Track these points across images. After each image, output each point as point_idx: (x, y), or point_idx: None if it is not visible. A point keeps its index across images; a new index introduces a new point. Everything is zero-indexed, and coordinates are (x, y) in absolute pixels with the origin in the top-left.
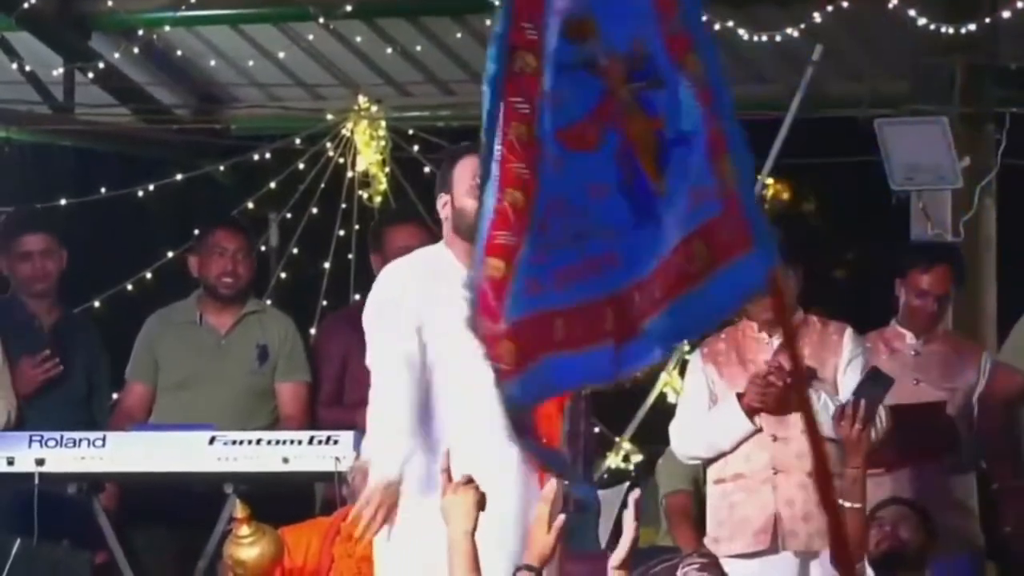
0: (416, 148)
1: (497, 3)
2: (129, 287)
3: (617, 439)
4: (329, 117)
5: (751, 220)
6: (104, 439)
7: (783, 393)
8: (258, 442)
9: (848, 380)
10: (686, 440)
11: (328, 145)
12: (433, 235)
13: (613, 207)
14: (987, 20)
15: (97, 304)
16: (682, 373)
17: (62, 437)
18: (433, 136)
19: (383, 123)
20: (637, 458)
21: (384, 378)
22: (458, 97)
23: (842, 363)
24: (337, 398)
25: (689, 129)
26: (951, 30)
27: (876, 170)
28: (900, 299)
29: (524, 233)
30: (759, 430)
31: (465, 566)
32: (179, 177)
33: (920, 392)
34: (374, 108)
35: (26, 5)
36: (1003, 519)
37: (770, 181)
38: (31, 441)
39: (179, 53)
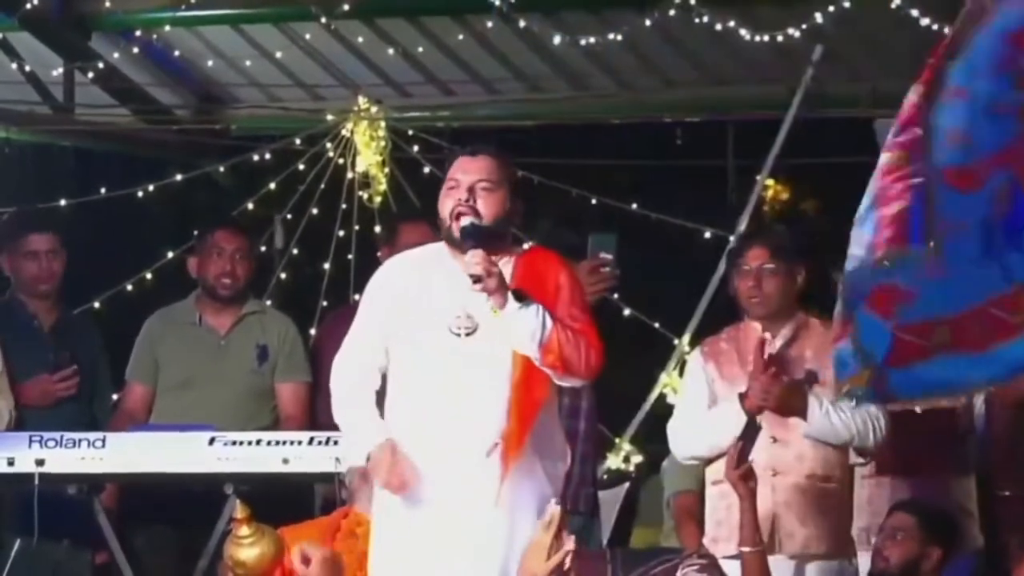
0: (416, 149)
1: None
2: (129, 287)
3: (617, 440)
4: (329, 117)
5: None
6: (104, 440)
7: (785, 393)
8: (258, 443)
9: None
10: (685, 439)
11: (328, 145)
12: None
13: (963, 240)
14: None
15: (97, 304)
16: (682, 373)
17: (62, 438)
18: (433, 137)
19: (383, 124)
20: (637, 459)
21: (342, 362)
22: (458, 98)
23: None
24: None
25: None
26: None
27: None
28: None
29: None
30: (759, 429)
31: None
32: (179, 177)
33: None
34: (374, 108)
35: (28, 6)
36: (1005, 527)
37: (771, 182)
38: (31, 442)
39: (178, 53)
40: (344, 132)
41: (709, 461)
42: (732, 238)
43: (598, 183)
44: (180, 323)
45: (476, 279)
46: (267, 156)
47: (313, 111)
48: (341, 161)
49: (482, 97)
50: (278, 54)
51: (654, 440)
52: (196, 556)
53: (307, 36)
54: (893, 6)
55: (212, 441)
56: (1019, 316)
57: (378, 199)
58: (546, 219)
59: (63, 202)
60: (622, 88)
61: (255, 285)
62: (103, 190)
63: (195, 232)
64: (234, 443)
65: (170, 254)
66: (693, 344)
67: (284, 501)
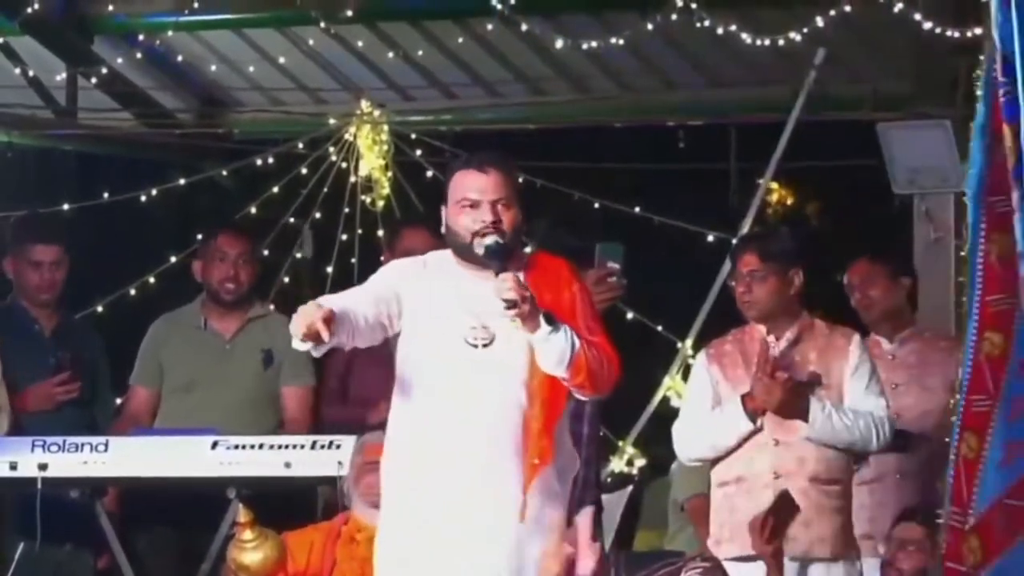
0: (419, 152)
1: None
2: (131, 291)
3: (620, 443)
4: (332, 121)
5: None
6: (107, 444)
7: (787, 395)
8: (260, 446)
9: (853, 387)
10: (688, 440)
11: (331, 149)
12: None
13: None
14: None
15: (100, 308)
16: (685, 378)
17: (65, 442)
18: (436, 140)
19: (385, 127)
20: (640, 462)
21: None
22: (460, 101)
23: (848, 369)
24: (342, 396)
25: None
26: (955, 33)
27: (879, 173)
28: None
29: (1000, 389)
30: (759, 429)
31: None
32: (182, 181)
33: (899, 395)
34: (376, 112)
35: (30, 10)
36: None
37: (775, 185)
38: (34, 446)
39: (181, 58)
40: (347, 136)
41: (714, 462)
42: (735, 241)
43: (600, 186)
44: (185, 327)
45: (511, 304)
46: (270, 160)
47: (315, 115)
48: (344, 165)
49: (484, 100)
50: (280, 58)
51: (657, 443)
52: (198, 559)
53: (309, 40)
54: (895, 9)
55: (215, 445)
56: None
57: (381, 203)
58: (542, 219)
59: (66, 206)
60: (624, 91)
61: (259, 289)
62: (106, 194)
63: (198, 236)
64: (236, 447)
65: (173, 258)
66: (696, 347)
67: (286, 505)
